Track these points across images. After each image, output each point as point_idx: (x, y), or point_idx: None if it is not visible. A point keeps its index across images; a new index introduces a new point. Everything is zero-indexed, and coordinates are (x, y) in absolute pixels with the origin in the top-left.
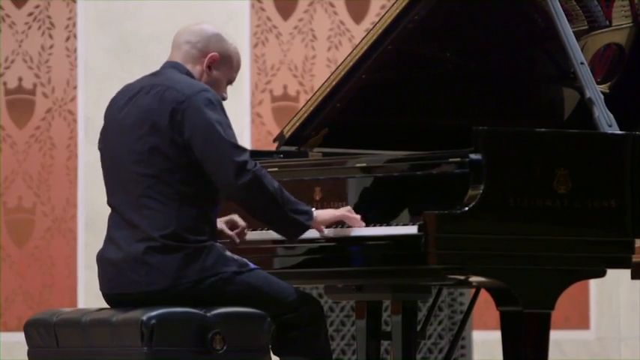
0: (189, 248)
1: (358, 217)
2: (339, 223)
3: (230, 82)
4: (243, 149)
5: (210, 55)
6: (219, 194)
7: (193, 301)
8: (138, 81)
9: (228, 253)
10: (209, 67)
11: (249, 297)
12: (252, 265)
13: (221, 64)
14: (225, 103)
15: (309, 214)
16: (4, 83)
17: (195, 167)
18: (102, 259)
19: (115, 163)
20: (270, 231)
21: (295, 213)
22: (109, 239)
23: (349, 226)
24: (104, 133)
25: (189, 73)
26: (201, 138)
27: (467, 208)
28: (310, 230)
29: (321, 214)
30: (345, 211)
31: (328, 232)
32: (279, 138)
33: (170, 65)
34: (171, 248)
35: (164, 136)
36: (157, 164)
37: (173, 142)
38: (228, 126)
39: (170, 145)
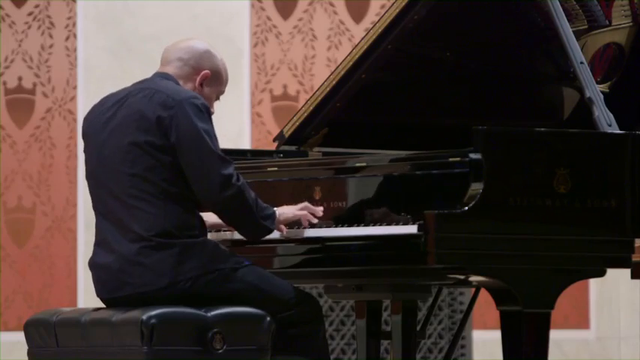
0: (181, 244)
1: (319, 209)
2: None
3: (218, 96)
4: (228, 162)
5: (202, 73)
6: None
7: (190, 299)
8: (122, 90)
9: (223, 248)
10: (201, 84)
11: (247, 295)
12: (247, 262)
13: (212, 81)
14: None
15: (273, 218)
16: (4, 83)
17: (179, 168)
18: (93, 265)
19: (100, 165)
20: None
21: (264, 219)
22: (98, 244)
23: (349, 226)
24: (87, 139)
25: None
26: (188, 145)
27: (467, 208)
28: (310, 230)
29: (282, 213)
30: (302, 208)
31: (330, 231)
32: (279, 137)
33: (160, 75)
34: (165, 245)
35: (149, 136)
36: (141, 163)
37: (158, 143)
38: (214, 136)
39: (154, 145)
